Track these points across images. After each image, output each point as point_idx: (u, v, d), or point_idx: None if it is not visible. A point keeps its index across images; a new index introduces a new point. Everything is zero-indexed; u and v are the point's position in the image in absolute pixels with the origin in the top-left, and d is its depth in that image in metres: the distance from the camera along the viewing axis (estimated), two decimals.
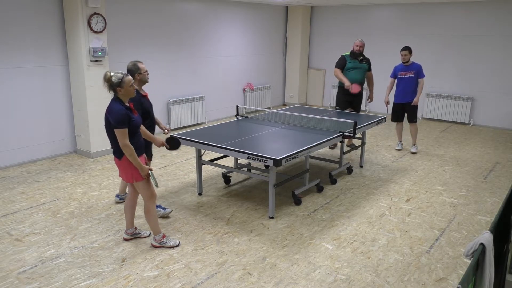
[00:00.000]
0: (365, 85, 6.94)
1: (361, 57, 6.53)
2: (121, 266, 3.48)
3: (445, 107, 9.00)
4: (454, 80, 8.93)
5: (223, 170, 5.35)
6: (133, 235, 3.91)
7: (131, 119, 3.41)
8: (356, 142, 6.92)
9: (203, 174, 5.64)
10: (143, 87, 4.18)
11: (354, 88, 6.35)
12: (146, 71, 4.16)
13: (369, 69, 6.64)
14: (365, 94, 8.20)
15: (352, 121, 5.03)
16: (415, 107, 6.67)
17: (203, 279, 3.32)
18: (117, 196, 4.74)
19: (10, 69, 5.69)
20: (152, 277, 3.33)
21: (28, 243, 3.83)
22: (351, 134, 4.93)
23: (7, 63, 5.65)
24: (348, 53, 6.58)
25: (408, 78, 6.56)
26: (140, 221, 4.24)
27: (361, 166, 6.08)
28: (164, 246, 3.74)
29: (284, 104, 10.88)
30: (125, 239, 3.89)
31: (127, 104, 3.46)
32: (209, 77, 8.73)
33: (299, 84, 10.64)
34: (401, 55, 6.50)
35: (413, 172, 5.89)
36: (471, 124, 8.86)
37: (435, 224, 4.31)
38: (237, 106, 5.95)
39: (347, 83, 6.36)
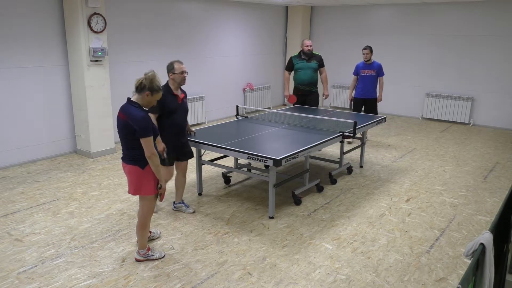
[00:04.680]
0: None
1: (310, 56, 6.54)
2: (121, 266, 3.48)
3: (445, 107, 9.00)
4: (454, 80, 8.93)
5: (223, 170, 5.36)
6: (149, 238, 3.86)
7: (153, 126, 3.26)
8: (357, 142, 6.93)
9: (203, 174, 5.64)
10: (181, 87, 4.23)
11: (290, 99, 6.64)
12: (182, 72, 4.07)
13: (321, 66, 6.61)
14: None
15: (352, 121, 5.03)
16: (374, 104, 7.04)
17: (203, 279, 3.32)
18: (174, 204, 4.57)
19: (10, 69, 5.69)
20: (152, 277, 3.33)
21: (28, 243, 3.83)
22: (351, 134, 4.93)
23: (7, 63, 5.65)
24: (296, 54, 6.69)
25: (370, 76, 6.95)
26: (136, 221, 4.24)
27: (361, 166, 6.08)
28: (149, 259, 3.56)
29: (284, 104, 10.88)
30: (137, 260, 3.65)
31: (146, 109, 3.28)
32: (209, 77, 8.74)
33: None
34: (363, 54, 6.88)
35: (413, 172, 5.89)
36: (471, 124, 8.86)
37: (435, 224, 4.31)
38: (237, 106, 5.95)
39: (286, 92, 6.80)
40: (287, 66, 6.77)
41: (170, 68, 4.09)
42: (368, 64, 6.95)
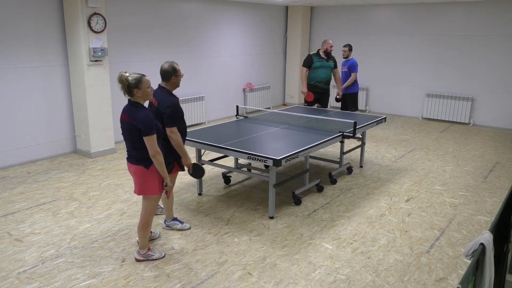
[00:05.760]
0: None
1: (329, 56, 6.75)
2: (121, 266, 3.48)
3: (445, 107, 9.00)
4: (454, 80, 8.93)
5: (223, 170, 5.35)
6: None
7: (157, 124, 3.26)
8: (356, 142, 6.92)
9: None
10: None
11: (308, 96, 6.67)
12: (181, 74, 3.77)
13: (335, 67, 6.83)
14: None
15: (352, 121, 5.03)
16: (347, 99, 7.17)
17: (203, 279, 3.32)
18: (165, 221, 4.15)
19: (10, 69, 5.70)
20: (152, 277, 3.33)
21: (28, 243, 3.83)
22: (351, 134, 4.93)
23: (7, 63, 5.65)
24: (315, 52, 6.81)
25: (343, 72, 7.24)
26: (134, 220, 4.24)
27: (361, 166, 6.08)
28: (149, 259, 3.56)
29: (284, 104, 10.88)
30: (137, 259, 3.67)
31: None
32: (209, 77, 8.74)
33: (299, 84, 10.63)
34: (342, 51, 7.23)
35: (413, 172, 5.89)
36: (471, 124, 8.86)
37: (435, 224, 4.31)
38: (237, 106, 5.95)
39: (304, 89, 6.70)
40: (305, 63, 6.75)
41: (173, 72, 3.69)
42: (345, 61, 7.21)
